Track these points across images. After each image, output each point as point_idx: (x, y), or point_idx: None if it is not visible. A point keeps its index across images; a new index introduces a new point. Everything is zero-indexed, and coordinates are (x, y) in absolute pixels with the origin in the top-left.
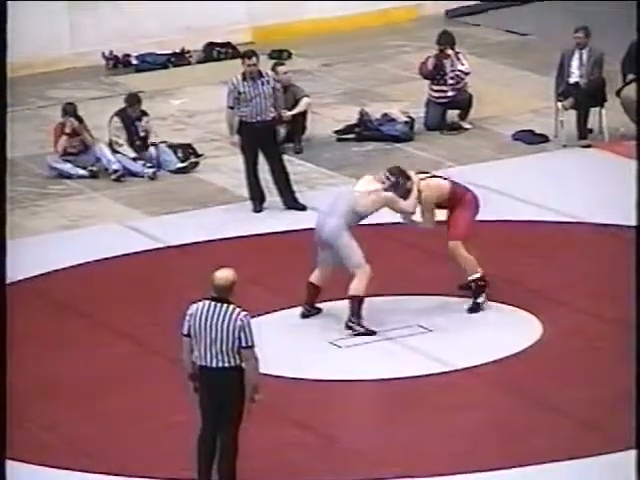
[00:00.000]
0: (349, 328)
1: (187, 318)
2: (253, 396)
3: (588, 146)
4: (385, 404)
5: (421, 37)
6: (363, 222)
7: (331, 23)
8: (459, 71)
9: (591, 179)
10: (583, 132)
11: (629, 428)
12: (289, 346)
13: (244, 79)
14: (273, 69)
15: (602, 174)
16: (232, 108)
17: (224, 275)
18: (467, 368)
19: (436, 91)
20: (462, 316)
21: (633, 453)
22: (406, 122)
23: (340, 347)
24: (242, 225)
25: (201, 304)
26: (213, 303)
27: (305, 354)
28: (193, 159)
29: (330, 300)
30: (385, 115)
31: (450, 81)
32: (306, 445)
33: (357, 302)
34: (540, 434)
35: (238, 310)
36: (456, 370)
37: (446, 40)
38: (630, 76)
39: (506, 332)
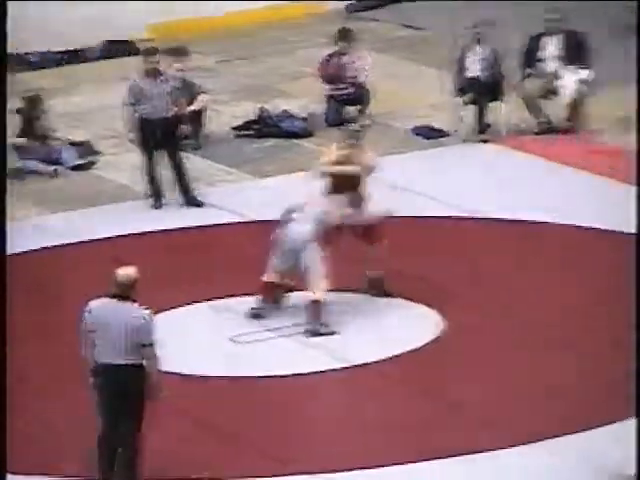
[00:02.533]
0: (312, 333)
1: (86, 315)
2: (156, 394)
3: (487, 141)
4: (287, 400)
5: (320, 33)
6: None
7: (229, 19)
8: (358, 69)
9: (490, 174)
10: (482, 127)
11: (526, 425)
12: (190, 343)
13: (145, 76)
14: (170, 66)
15: (501, 169)
16: (133, 105)
17: (126, 272)
18: (368, 364)
19: (335, 88)
20: (363, 312)
21: (527, 449)
22: (305, 118)
23: (241, 343)
24: (141, 222)
25: (102, 301)
26: (115, 300)
27: (205, 351)
28: (91, 156)
29: (233, 296)
30: (284, 111)
31: (349, 79)
32: (209, 442)
33: (319, 306)
34: (439, 430)
35: (139, 308)
36: (357, 366)
37: (345, 37)
38: (528, 70)
39: (407, 328)
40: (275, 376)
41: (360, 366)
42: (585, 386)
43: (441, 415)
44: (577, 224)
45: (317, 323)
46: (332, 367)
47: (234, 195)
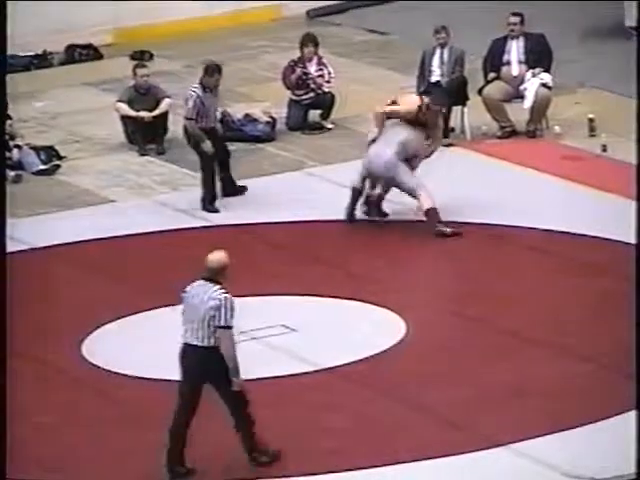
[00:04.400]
0: (440, 234)
1: (182, 295)
2: (233, 377)
3: (450, 145)
4: (252, 404)
5: (283, 37)
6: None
7: (193, 24)
8: (321, 76)
9: (453, 177)
10: (445, 131)
11: (493, 427)
12: (155, 347)
13: (205, 91)
14: (134, 71)
15: (464, 172)
16: (194, 119)
17: (216, 257)
18: (332, 368)
19: (297, 94)
20: (326, 316)
21: (495, 451)
22: (268, 122)
23: None
24: (108, 226)
25: (195, 283)
26: (202, 282)
27: (171, 355)
28: (56, 161)
29: None
30: (247, 115)
31: (312, 85)
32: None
33: (434, 212)
34: (405, 433)
35: (219, 290)
36: (321, 370)
37: (309, 42)
38: (491, 74)
39: (370, 331)
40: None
41: (327, 369)
42: (553, 389)
43: (408, 418)
44: (543, 227)
45: (441, 225)
46: (299, 370)
47: (198, 199)
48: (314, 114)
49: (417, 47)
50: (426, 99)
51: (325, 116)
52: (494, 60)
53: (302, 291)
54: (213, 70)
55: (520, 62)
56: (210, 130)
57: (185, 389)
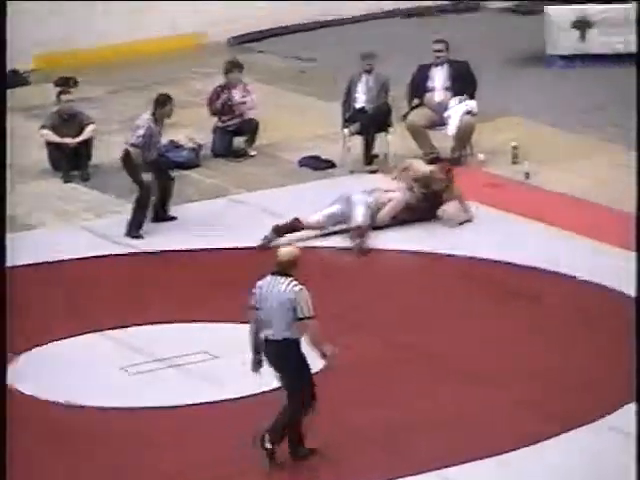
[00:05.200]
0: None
1: (254, 291)
2: (330, 363)
3: (374, 172)
4: (174, 431)
5: (207, 63)
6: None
7: (117, 49)
8: (244, 103)
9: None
10: (369, 157)
11: (422, 452)
12: (80, 372)
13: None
14: (58, 97)
15: None
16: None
17: (287, 250)
18: (256, 394)
19: (222, 120)
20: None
21: (425, 477)
22: (192, 148)
23: (131, 374)
24: (29, 253)
25: (266, 278)
26: (275, 277)
27: (93, 380)
28: None
29: (124, 327)
30: (171, 142)
31: (238, 111)
32: (88, 475)
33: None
34: (329, 460)
35: (293, 282)
36: (245, 396)
37: (234, 68)
38: (416, 101)
39: None
40: (165, 407)
41: (251, 397)
42: (482, 416)
43: (334, 444)
44: (468, 255)
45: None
46: (222, 398)
47: (123, 226)
48: (238, 141)
49: (339, 73)
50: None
51: (249, 143)
52: (418, 86)
53: (225, 318)
54: (165, 100)
55: (444, 89)
56: (153, 162)
57: (284, 382)
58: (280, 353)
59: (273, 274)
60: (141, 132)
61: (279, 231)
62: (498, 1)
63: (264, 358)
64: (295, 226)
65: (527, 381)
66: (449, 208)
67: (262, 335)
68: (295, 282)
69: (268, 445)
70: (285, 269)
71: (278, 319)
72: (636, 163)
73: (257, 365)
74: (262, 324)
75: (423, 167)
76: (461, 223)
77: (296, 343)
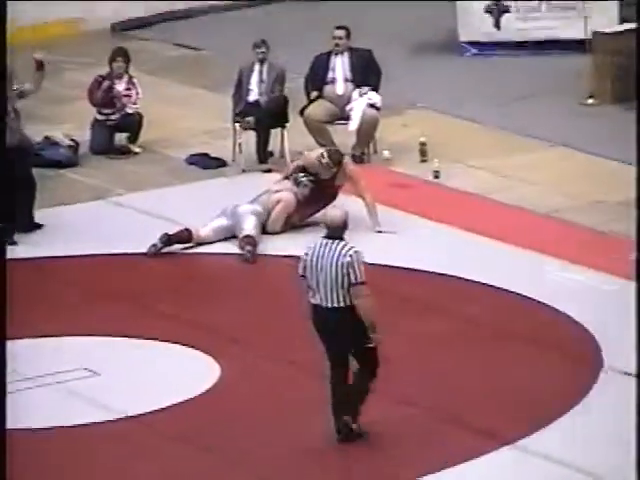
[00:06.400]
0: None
1: (303, 258)
2: (372, 333)
3: (269, 171)
4: (50, 455)
5: (86, 53)
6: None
7: None
8: (128, 96)
9: None
10: (263, 155)
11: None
12: None
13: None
14: None
15: None
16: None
17: (337, 213)
18: (138, 415)
19: (103, 113)
20: (132, 358)
21: None
22: (70, 146)
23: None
24: None
25: (317, 242)
26: (325, 241)
27: None
28: None
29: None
30: (47, 138)
31: (120, 104)
32: None
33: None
34: None
35: (348, 246)
36: (126, 417)
37: (119, 57)
38: (314, 93)
39: (180, 376)
40: (40, 428)
41: (132, 417)
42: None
43: (218, 470)
44: (371, 262)
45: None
46: (102, 418)
47: None
48: (120, 137)
49: (233, 63)
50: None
51: (132, 139)
52: (317, 78)
53: (106, 331)
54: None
55: (346, 80)
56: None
57: (332, 354)
58: (336, 320)
59: (324, 238)
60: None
61: (169, 240)
62: None
63: (316, 327)
64: (185, 238)
65: (448, 397)
66: (329, 209)
67: (314, 302)
68: (350, 245)
69: (354, 426)
70: (336, 232)
71: (331, 285)
72: (636, 162)
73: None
74: (313, 290)
75: (313, 154)
76: (380, 231)
77: (352, 309)
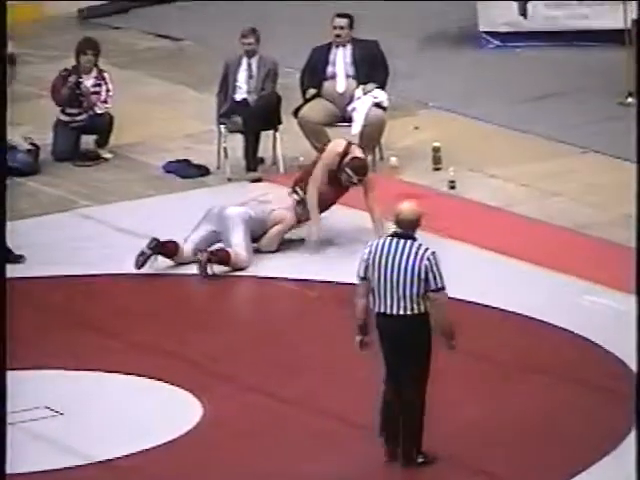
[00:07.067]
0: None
1: (365, 257)
2: (449, 344)
3: (259, 180)
4: None
5: (48, 44)
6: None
7: None
8: (97, 93)
9: None
10: (252, 162)
11: None
12: None
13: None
14: None
15: None
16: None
17: (410, 207)
18: (106, 461)
19: (68, 113)
20: (101, 395)
21: None
22: (29, 150)
23: None
24: None
25: (381, 240)
26: (395, 239)
27: None
28: None
29: None
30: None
31: (86, 103)
32: None
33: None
34: None
35: (425, 247)
36: (92, 463)
37: (88, 49)
38: (311, 91)
39: (156, 416)
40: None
41: (101, 463)
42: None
43: None
44: None
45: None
46: (66, 464)
47: None
48: (88, 140)
49: (218, 57)
50: None
51: (102, 143)
52: (315, 73)
53: (70, 365)
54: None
55: (348, 76)
56: None
57: (392, 362)
58: (409, 330)
59: (394, 236)
60: None
61: (158, 247)
62: None
63: (381, 337)
64: (172, 251)
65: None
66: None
67: (376, 310)
68: (425, 245)
69: (420, 459)
70: (409, 230)
71: (403, 290)
72: (636, 162)
73: (366, 346)
74: (378, 296)
75: (336, 151)
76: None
77: (427, 317)
